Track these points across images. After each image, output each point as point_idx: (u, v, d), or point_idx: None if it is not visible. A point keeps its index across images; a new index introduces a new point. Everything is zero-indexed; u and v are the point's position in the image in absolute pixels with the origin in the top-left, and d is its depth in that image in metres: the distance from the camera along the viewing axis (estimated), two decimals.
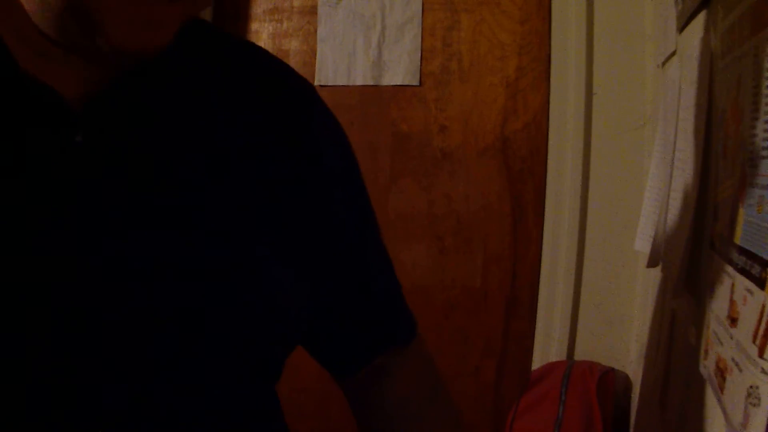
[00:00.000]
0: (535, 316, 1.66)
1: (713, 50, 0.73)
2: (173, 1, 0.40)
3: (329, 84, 1.71)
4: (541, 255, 1.64)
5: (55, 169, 0.43)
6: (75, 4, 0.38)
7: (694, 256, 0.76)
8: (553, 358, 1.60)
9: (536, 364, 1.63)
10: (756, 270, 0.50)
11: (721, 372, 0.56)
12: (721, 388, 0.56)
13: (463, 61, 1.68)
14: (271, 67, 0.58)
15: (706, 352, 0.64)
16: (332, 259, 0.58)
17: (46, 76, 0.42)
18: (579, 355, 1.59)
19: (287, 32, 1.77)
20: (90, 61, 0.44)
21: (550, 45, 1.62)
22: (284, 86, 0.57)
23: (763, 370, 0.46)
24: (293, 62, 1.73)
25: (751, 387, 0.48)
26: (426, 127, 1.71)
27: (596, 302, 1.59)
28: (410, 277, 1.68)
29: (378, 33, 1.70)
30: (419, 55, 1.69)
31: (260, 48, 0.59)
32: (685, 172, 0.82)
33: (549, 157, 1.63)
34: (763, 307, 0.47)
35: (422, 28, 1.69)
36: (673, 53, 1.04)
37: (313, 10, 1.75)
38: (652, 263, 1.00)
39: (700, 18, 0.83)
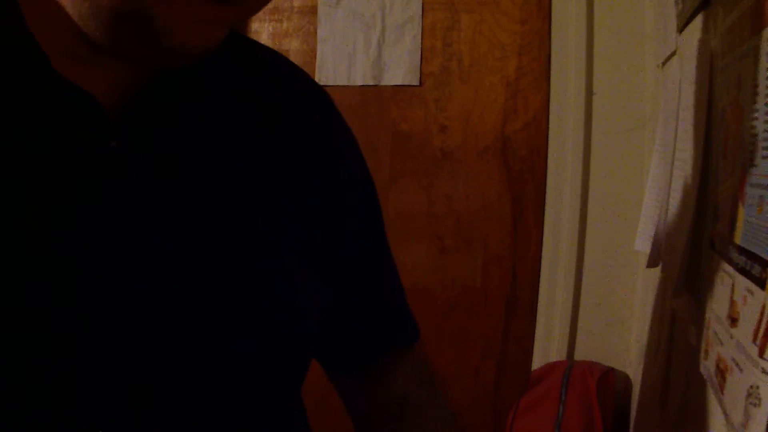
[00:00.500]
0: (535, 316, 1.66)
1: (713, 50, 0.73)
2: (229, 4, 0.40)
3: (329, 84, 1.71)
4: (541, 255, 1.64)
5: (89, 173, 0.43)
6: (133, 10, 0.38)
7: (694, 256, 0.76)
8: (553, 358, 1.60)
9: (536, 364, 1.63)
10: (756, 270, 0.50)
11: (722, 372, 0.56)
12: (722, 388, 0.56)
13: (463, 61, 1.68)
14: (294, 77, 0.59)
15: (707, 352, 0.64)
16: (350, 264, 0.59)
17: (81, 81, 0.43)
18: (579, 355, 1.59)
19: (287, 32, 1.77)
20: (134, 63, 0.44)
21: (550, 45, 1.62)
22: (308, 96, 0.58)
23: (763, 370, 0.46)
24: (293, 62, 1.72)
25: (751, 387, 0.48)
26: (426, 127, 1.71)
27: (596, 302, 1.59)
28: (410, 277, 1.68)
29: (378, 33, 1.70)
30: (419, 55, 1.69)
31: (282, 56, 0.60)
32: (685, 172, 0.82)
33: (549, 157, 1.63)
34: (764, 307, 0.47)
35: (422, 28, 1.69)
36: (673, 53, 1.04)
37: (313, 10, 1.75)
38: (652, 263, 1.00)
39: (700, 18, 0.83)
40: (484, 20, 1.67)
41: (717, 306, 0.61)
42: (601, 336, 1.58)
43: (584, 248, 1.59)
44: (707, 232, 0.70)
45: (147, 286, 0.43)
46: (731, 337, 0.55)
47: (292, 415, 0.55)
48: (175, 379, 0.44)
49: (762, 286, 0.48)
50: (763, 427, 0.46)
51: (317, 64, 1.73)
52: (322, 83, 1.72)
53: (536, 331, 1.65)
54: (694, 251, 0.76)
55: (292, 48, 1.77)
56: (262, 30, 1.78)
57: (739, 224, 0.55)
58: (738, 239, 0.55)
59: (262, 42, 0.60)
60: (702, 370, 0.65)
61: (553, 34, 1.61)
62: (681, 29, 0.96)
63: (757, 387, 0.47)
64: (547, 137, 1.63)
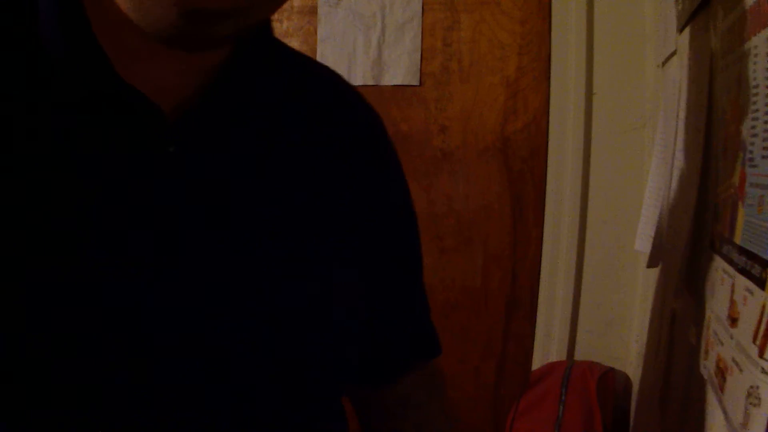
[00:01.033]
0: (535, 316, 1.66)
1: (713, 50, 0.73)
2: None
3: None
4: (541, 255, 1.64)
5: (146, 178, 0.44)
6: None
7: (694, 256, 0.76)
8: (553, 358, 1.60)
9: (536, 364, 1.63)
10: (756, 270, 0.50)
11: (722, 372, 0.56)
12: (722, 388, 0.56)
13: (463, 61, 1.68)
14: (349, 92, 0.62)
15: (707, 352, 0.64)
16: (394, 279, 0.62)
17: (143, 86, 0.44)
18: (579, 355, 1.59)
19: (287, 32, 1.77)
20: (182, 45, 0.45)
21: (550, 45, 1.62)
22: (361, 112, 0.61)
23: (763, 370, 0.46)
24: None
25: (751, 387, 0.48)
26: (426, 127, 1.71)
27: (596, 302, 1.59)
28: None
29: (378, 33, 1.70)
30: (419, 55, 1.69)
31: (336, 73, 0.62)
32: (685, 172, 0.82)
33: (549, 157, 1.62)
34: (764, 307, 0.47)
35: (422, 28, 1.69)
36: (673, 53, 1.04)
37: (313, 10, 1.75)
38: (652, 263, 1.00)
39: (700, 18, 0.83)
40: (484, 20, 1.67)
41: (717, 306, 0.61)
42: (601, 336, 1.58)
43: (584, 248, 1.59)
44: (707, 232, 0.70)
45: (200, 292, 0.44)
46: (731, 337, 0.55)
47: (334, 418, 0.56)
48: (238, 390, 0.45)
49: (762, 286, 0.48)
50: (764, 428, 0.46)
51: None
52: None
53: (536, 331, 1.65)
54: (694, 251, 0.76)
55: None
56: None
57: (739, 224, 0.55)
58: (738, 239, 0.55)
59: None
60: (702, 370, 0.65)
61: (553, 34, 1.61)
62: (681, 29, 0.96)
63: (757, 387, 0.47)
64: (547, 137, 1.63)
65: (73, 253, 0.41)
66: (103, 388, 0.41)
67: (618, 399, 1.46)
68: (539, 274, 1.64)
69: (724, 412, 0.55)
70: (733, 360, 0.53)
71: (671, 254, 0.86)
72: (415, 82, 1.69)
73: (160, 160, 0.44)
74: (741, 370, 0.51)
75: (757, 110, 0.53)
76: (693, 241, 0.76)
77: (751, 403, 0.48)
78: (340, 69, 1.71)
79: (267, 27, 0.53)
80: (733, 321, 0.54)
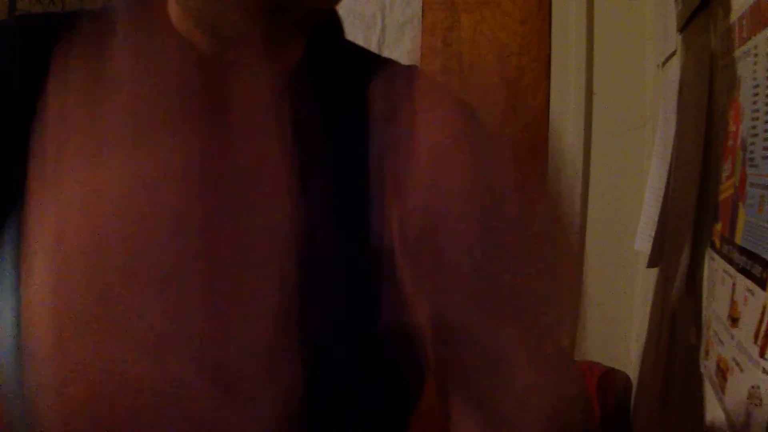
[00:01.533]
0: None
1: (713, 50, 0.73)
2: None
3: None
4: None
5: None
6: None
7: (695, 256, 0.76)
8: None
9: None
10: (757, 270, 0.50)
11: (722, 372, 0.56)
12: (722, 388, 0.56)
13: (463, 61, 1.68)
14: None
15: (707, 352, 0.64)
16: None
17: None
18: (579, 355, 1.59)
19: None
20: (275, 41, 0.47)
21: (550, 45, 1.62)
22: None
23: (764, 370, 0.46)
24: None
25: (752, 387, 0.48)
26: None
27: (596, 302, 1.59)
28: None
29: (378, 33, 1.70)
30: (419, 55, 1.69)
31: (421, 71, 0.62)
32: (685, 172, 0.82)
33: (549, 157, 1.62)
34: (764, 307, 0.47)
35: (422, 28, 1.69)
36: (673, 53, 1.04)
37: None
38: (652, 263, 1.00)
39: (700, 18, 0.83)
40: (484, 20, 1.67)
41: (717, 306, 0.61)
42: (601, 336, 1.58)
43: (584, 248, 1.59)
44: (707, 232, 0.70)
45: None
46: (732, 337, 0.55)
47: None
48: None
49: (762, 286, 0.48)
50: (764, 428, 0.46)
51: None
52: None
53: None
54: (695, 251, 0.76)
55: None
56: None
57: (740, 224, 0.55)
58: (738, 239, 0.55)
59: None
60: (702, 369, 0.65)
61: (553, 34, 1.61)
62: (681, 29, 0.96)
63: (758, 387, 0.47)
64: (547, 137, 1.63)
65: None
66: None
67: (618, 399, 1.46)
68: None
69: (725, 412, 0.55)
70: (734, 360, 0.53)
71: (671, 254, 0.86)
72: None
73: None
74: (742, 370, 0.51)
75: (757, 110, 0.53)
76: (693, 241, 0.76)
77: (752, 403, 0.48)
78: None
79: (337, 30, 0.55)
80: (734, 321, 0.54)
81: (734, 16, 0.62)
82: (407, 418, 0.57)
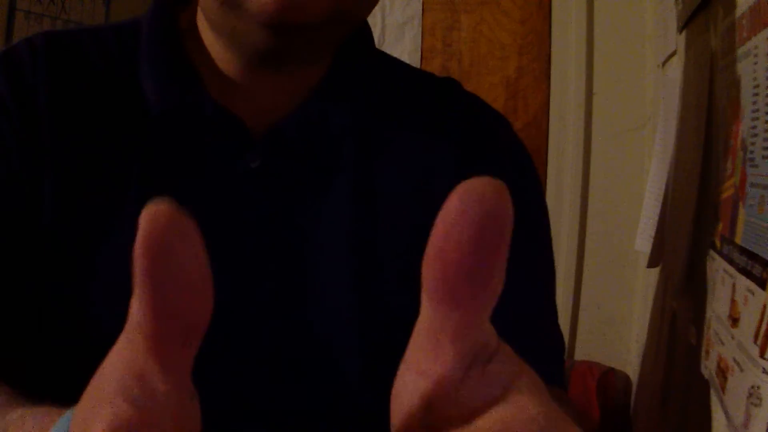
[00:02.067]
0: None
1: (713, 50, 0.73)
2: None
3: None
4: None
5: (230, 191, 0.47)
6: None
7: (695, 256, 0.76)
8: None
9: None
10: (757, 270, 0.50)
11: (723, 372, 0.56)
12: (723, 389, 0.56)
13: (463, 61, 1.68)
14: (467, 98, 0.59)
15: (707, 352, 0.64)
16: (526, 290, 0.59)
17: (231, 105, 0.47)
18: (579, 355, 1.59)
19: None
20: (285, 66, 0.48)
21: (550, 45, 1.62)
22: (485, 117, 0.58)
23: (764, 371, 0.46)
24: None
25: (752, 387, 0.48)
26: None
27: (596, 302, 1.59)
28: None
29: (378, 33, 1.70)
30: (419, 55, 1.69)
31: (452, 81, 0.60)
32: (685, 173, 0.82)
33: (549, 157, 1.62)
34: (765, 307, 0.47)
35: (422, 28, 1.69)
36: (673, 53, 1.04)
37: None
38: (652, 263, 1.00)
39: (700, 18, 0.83)
40: (484, 20, 1.67)
41: (717, 306, 0.61)
42: (601, 336, 1.58)
43: (584, 248, 1.59)
44: (707, 232, 0.70)
45: (285, 309, 0.47)
46: (732, 337, 0.55)
47: None
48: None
49: (763, 286, 0.48)
50: (765, 428, 0.46)
51: None
52: None
53: None
54: (695, 251, 0.76)
55: None
56: None
57: (740, 224, 0.55)
58: (739, 239, 0.55)
59: None
60: (703, 370, 0.65)
61: (553, 34, 1.61)
62: (681, 29, 0.96)
63: (758, 387, 0.47)
64: (547, 137, 1.63)
65: None
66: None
67: (618, 399, 1.46)
68: None
69: (725, 413, 0.55)
70: (734, 360, 0.53)
71: (671, 254, 0.86)
72: None
73: (245, 176, 0.47)
74: (742, 370, 0.51)
75: (757, 110, 0.53)
76: (693, 241, 0.76)
77: (752, 404, 0.48)
78: None
79: (367, 39, 0.55)
80: (734, 321, 0.54)
81: (734, 16, 0.62)
82: None
